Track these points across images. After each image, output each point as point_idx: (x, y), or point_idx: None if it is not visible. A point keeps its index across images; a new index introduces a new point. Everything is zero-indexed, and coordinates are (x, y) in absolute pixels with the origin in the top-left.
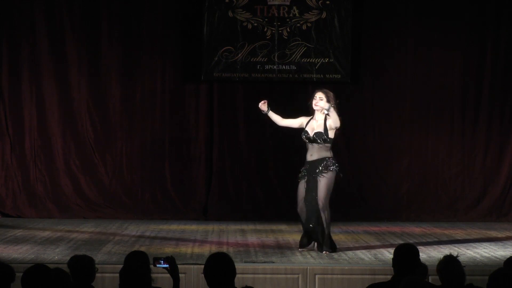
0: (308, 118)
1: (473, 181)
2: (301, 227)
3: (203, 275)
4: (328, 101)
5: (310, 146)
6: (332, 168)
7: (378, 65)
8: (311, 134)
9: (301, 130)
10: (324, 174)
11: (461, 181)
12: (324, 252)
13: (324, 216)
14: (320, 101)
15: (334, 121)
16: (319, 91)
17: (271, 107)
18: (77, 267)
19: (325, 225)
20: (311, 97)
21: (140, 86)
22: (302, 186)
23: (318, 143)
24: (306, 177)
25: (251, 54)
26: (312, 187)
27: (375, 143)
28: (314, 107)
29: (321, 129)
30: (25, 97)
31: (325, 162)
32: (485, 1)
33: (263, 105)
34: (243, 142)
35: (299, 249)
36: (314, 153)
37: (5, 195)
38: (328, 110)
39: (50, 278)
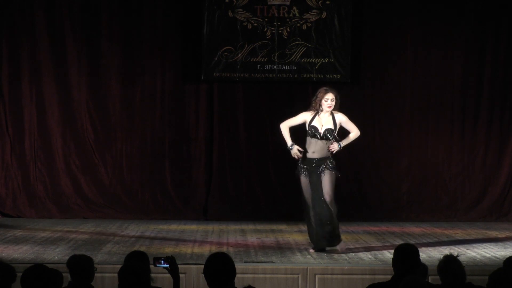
0: (310, 114)
1: (473, 181)
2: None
3: (203, 275)
4: (337, 101)
5: (313, 142)
6: (333, 168)
7: (378, 65)
8: (321, 130)
9: (303, 126)
10: (326, 171)
11: (461, 181)
12: (338, 247)
13: (334, 210)
14: (331, 102)
15: (341, 116)
16: (330, 92)
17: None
18: (76, 267)
19: (335, 220)
20: (319, 96)
21: (140, 86)
22: (307, 183)
23: (328, 139)
24: (307, 175)
25: (251, 54)
26: (316, 186)
27: (375, 143)
28: (326, 109)
29: (331, 126)
30: (25, 97)
31: (327, 162)
32: (485, 1)
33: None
34: (243, 142)
35: (314, 251)
36: (316, 150)
37: (5, 195)
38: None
39: (49, 278)
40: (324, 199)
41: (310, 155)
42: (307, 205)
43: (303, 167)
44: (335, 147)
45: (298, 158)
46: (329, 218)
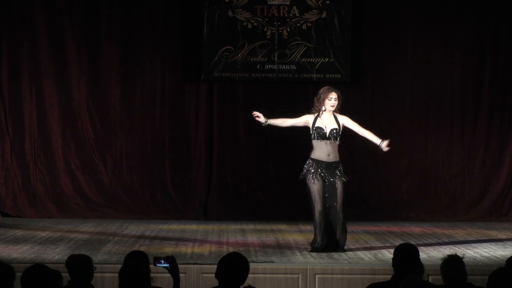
0: (312, 116)
1: (473, 181)
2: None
3: (202, 274)
4: (339, 100)
5: (323, 145)
6: (345, 175)
7: (378, 65)
8: (326, 130)
9: (306, 130)
10: (342, 180)
11: (461, 181)
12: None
13: (343, 217)
14: (335, 101)
15: (344, 117)
16: (333, 91)
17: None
18: (75, 267)
19: (341, 227)
20: (322, 95)
21: (140, 86)
22: (320, 188)
23: (334, 139)
24: (322, 179)
25: (251, 54)
26: (331, 191)
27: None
28: (330, 108)
29: (335, 126)
30: (25, 97)
31: (341, 167)
32: (485, 2)
33: (258, 118)
34: (243, 142)
35: (313, 252)
36: (331, 152)
37: (5, 195)
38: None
39: (49, 278)
40: (336, 208)
41: (325, 158)
42: (316, 208)
43: (316, 170)
44: (385, 144)
45: (255, 115)
46: (339, 224)
